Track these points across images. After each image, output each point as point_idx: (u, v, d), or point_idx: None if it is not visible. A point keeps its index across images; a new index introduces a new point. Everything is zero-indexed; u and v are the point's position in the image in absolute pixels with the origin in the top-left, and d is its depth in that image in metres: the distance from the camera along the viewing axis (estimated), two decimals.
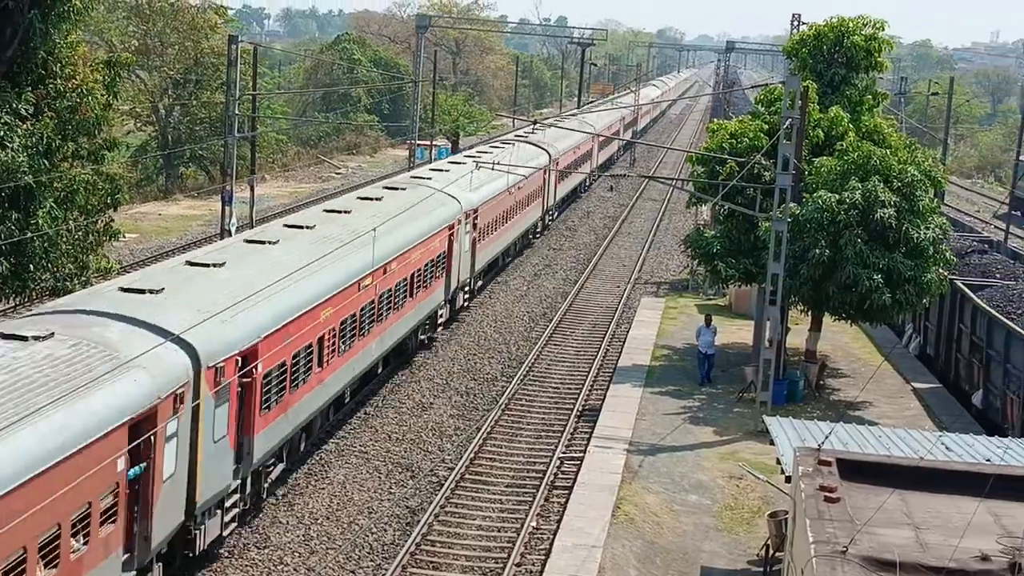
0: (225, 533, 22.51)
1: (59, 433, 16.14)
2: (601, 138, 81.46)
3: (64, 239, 30.98)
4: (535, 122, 57.97)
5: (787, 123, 31.22)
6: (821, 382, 35.71)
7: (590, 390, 35.40)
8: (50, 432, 16.01)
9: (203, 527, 21.25)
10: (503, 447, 30.44)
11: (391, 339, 33.08)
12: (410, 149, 74.99)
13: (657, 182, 79.34)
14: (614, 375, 36.36)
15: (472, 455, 29.39)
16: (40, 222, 29.25)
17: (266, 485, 24.92)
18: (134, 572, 18.70)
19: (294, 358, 24.86)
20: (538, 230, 62.64)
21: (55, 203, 30.29)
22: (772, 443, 22.69)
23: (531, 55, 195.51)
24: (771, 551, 22.61)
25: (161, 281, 22.98)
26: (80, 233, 31.91)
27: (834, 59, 37.99)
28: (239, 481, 22.80)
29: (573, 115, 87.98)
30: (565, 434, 31.16)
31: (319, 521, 24.96)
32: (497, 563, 23.52)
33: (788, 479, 20.37)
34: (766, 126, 36.59)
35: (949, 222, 35.95)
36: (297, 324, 24.80)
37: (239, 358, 21.77)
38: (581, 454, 29.24)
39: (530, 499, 26.74)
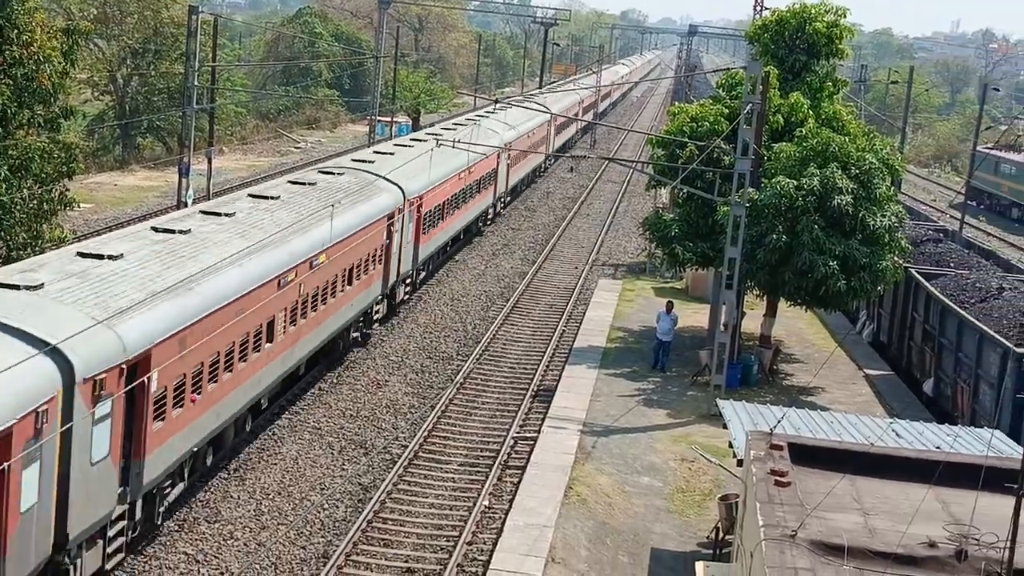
0: (109, 565, 20.12)
1: None
2: (558, 121, 79.97)
3: (18, 208, 30.64)
4: (497, 101, 57.81)
5: (747, 108, 31.29)
6: (775, 367, 35.93)
7: (545, 370, 35.44)
8: None
9: (79, 560, 18.84)
10: (457, 426, 30.44)
11: (317, 340, 30.41)
12: (370, 125, 74.70)
13: (617, 164, 79.40)
14: (570, 356, 36.43)
15: (426, 433, 29.37)
16: None
17: (161, 510, 22.28)
18: None
19: (197, 365, 22.38)
20: (489, 218, 60.04)
21: (9, 171, 29.95)
22: (725, 426, 22.83)
23: (494, 33, 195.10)
24: (721, 534, 22.75)
25: (42, 275, 20.30)
26: (35, 202, 31.58)
27: (795, 45, 38.08)
28: (127, 506, 20.32)
29: (532, 95, 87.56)
30: (519, 414, 31.19)
31: (271, 496, 24.89)
32: (449, 541, 23.54)
33: (740, 463, 20.46)
34: (727, 110, 36.67)
35: (905, 210, 36.19)
36: (202, 327, 22.24)
37: (126, 367, 19.31)
38: (535, 434, 29.29)
39: (483, 478, 26.77)
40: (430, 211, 42.52)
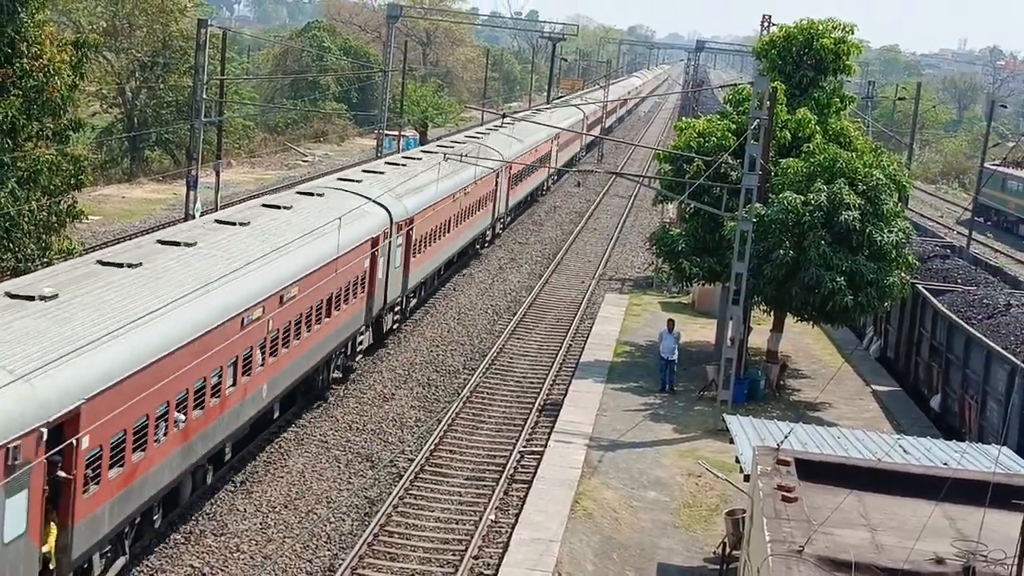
0: None
1: None
2: (563, 138, 78.56)
3: (27, 219, 30.74)
4: (504, 115, 57.79)
5: (755, 124, 31.31)
6: (782, 382, 35.88)
7: (552, 385, 35.43)
8: None
9: None
10: (464, 439, 30.42)
11: (290, 378, 27.83)
12: (378, 139, 74.69)
13: (624, 179, 79.45)
14: (576, 370, 36.41)
15: (432, 447, 29.36)
16: (2, 202, 29.00)
17: None
18: None
19: (142, 418, 19.80)
20: (487, 239, 57.53)
21: (18, 183, 30.06)
22: (731, 442, 22.79)
23: (502, 48, 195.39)
24: (728, 549, 22.70)
25: None
26: (43, 214, 31.69)
27: (803, 61, 38.11)
28: None
29: (539, 110, 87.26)
30: (526, 428, 31.18)
31: (277, 509, 24.88)
32: (455, 555, 23.51)
33: (747, 478, 20.45)
34: (734, 126, 36.70)
35: (912, 226, 36.18)
36: (147, 375, 19.62)
37: (46, 430, 16.79)
38: (541, 448, 29.26)
39: (489, 492, 26.75)
40: (422, 235, 40.15)
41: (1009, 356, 28.66)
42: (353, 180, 38.10)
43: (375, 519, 24.61)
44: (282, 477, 26.61)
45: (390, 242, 35.36)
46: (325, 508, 25.19)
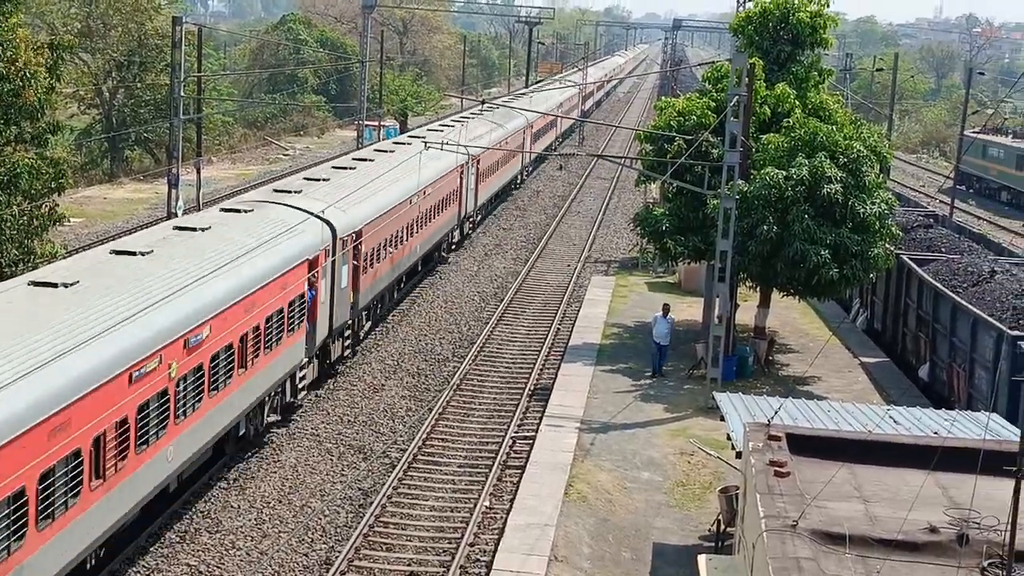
0: None
1: None
2: (534, 128, 75.26)
3: (8, 224, 30.63)
4: (483, 101, 57.58)
5: (734, 100, 31.32)
6: (770, 357, 35.96)
7: (541, 369, 35.46)
8: None
9: None
10: (455, 427, 30.45)
11: (204, 436, 23.45)
12: (358, 130, 74.65)
13: (606, 161, 79.42)
14: (565, 354, 36.44)
15: (424, 436, 29.38)
16: None
17: None
18: None
19: None
20: (453, 243, 52.70)
21: None
22: (722, 419, 22.84)
23: (479, 34, 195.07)
24: (722, 526, 22.77)
25: None
26: (24, 218, 31.57)
27: (780, 36, 38.11)
28: None
29: (516, 96, 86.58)
30: (517, 413, 31.21)
31: (271, 504, 24.88)
32: (451, 543, 23.55)
33: (739, 455, 20.49)
34: (713, 103, 36.71)
35: (895, 197, 36.24)
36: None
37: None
38: (533, 433, 29.30)
39: (483, 479, 26.78)
40: (373, 248, 35.85)
41: (995, 323, 28.77)
42: (290, 191, 33.62)
43: (370, 510, 24.63)
44: (275, 472, 26.60)
45: (335, 260, 31.20)
46: (319, 501, 25.20)
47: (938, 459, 15.98)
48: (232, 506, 24.62)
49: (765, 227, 32.30)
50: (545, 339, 38.71)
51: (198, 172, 50.00)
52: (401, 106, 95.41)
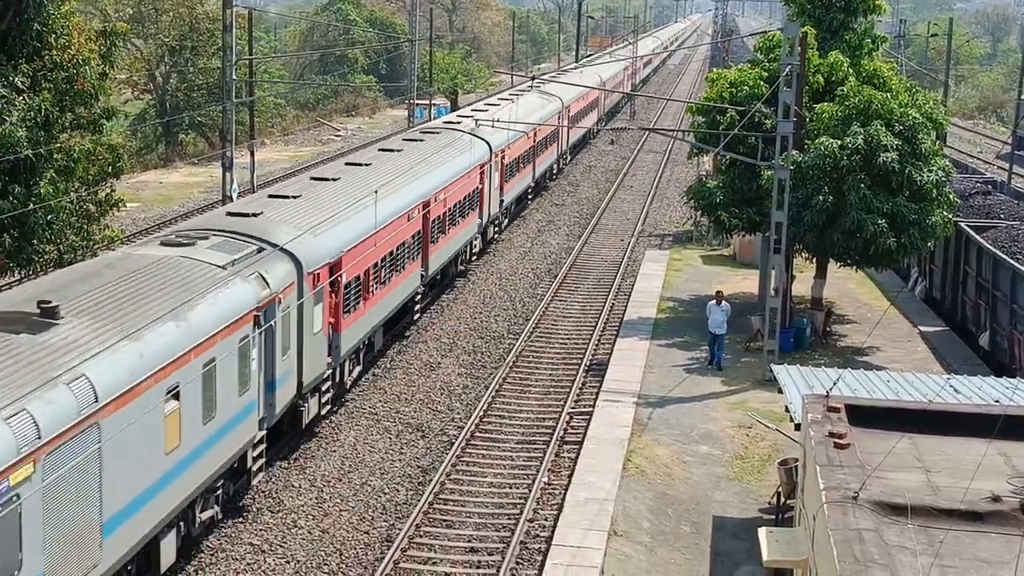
0: None
1: None
2: (571, 113, 69.31)
3: (66, 210, 30.95)
4: (533, 78, 57.32)
5: (787, 70, 31.05)
6: (828, 329, 35.73)
7: (597, 344, 35.43)
8: None
9: None
10: (512, 404, 30.51)
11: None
12: (409, 109, 74.75)
13: (658, 134, 79.01)
14: (620, 328, 36.38)
15: (481, 413, 29.46)
16: (43, 191, 29.18)
17: None
18: None
19: None
20: (475, 249, 45.20)
21: (55, 174, 30.24)
22: (780, 391, 22.75)
23: (528, 10, 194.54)
24: (782, 499, 22.69)
25: None
26: (83, 204, 31.91)
27: (832, 4, 37.69)
28: None
29: (546, 76, 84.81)
30: (573, 389, 31.21)
31: (331, 483, 25.06)
32: (510, 519, 23.63)
33: (797, 427, 20.42)
34: (766, 74, 36.40)
35: (952, 164, 35.87)
36: None
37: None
38: (590, 408, 29.31)
39: (541, 455, 26.83)
40: (357, 278, 29.06)
41: None
42: (247, 214, 27.10)
43: (429, 488, 24.75)
44: (334, 451, 26.79)
45: (297, 304, 24.82)
46: (379, 479, 25.36)
47: (1000, 427, 15.83)
48: (293, 486, 24.82)
49: (820, 197, 32.05)
50: (600, 314, 38.67)
51: (252, 155, 50.34)
52: (451, 84, 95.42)
